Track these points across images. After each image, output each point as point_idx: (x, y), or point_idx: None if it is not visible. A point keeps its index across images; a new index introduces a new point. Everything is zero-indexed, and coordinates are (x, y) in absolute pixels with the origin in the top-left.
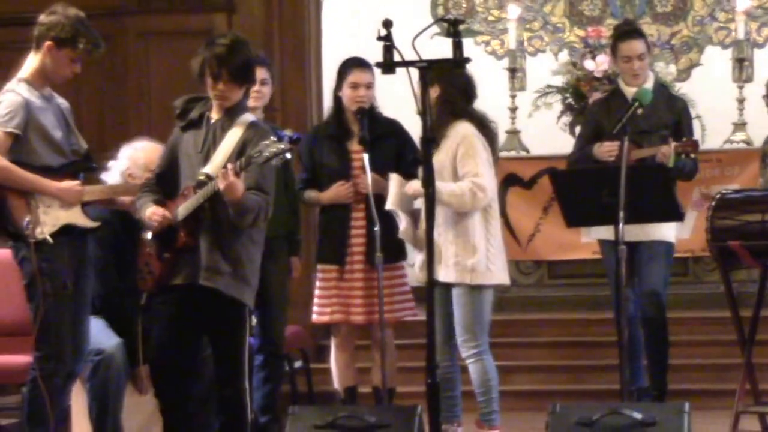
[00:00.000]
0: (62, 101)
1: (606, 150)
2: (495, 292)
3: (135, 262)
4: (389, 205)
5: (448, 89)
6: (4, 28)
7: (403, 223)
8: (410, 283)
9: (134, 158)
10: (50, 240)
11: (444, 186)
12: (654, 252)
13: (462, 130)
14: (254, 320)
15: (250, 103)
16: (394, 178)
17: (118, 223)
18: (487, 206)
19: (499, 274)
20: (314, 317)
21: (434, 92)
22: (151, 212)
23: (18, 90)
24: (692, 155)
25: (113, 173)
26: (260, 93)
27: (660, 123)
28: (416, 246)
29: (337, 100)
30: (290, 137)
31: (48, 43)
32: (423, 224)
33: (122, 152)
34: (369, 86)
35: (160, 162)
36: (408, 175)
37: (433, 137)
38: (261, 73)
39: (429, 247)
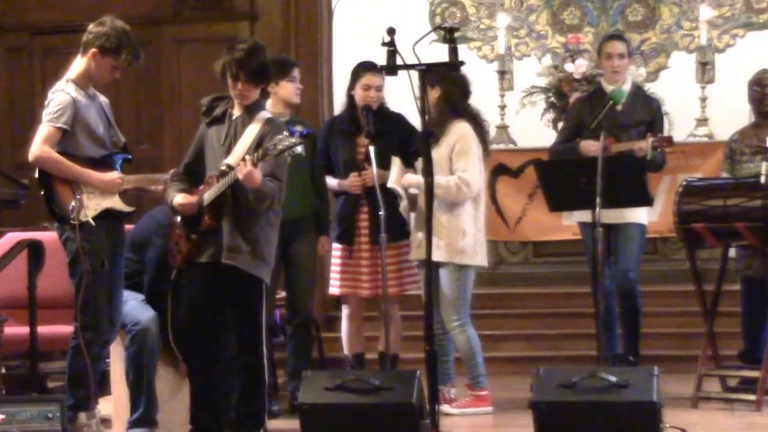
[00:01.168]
0: (103, 98)
1: (593, 149)
2: (479, 270)
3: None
4: (390, 184)
5: (449, 90)
6: (55, 35)
7: (403, 200)
8: None
9: None
10: (92, 223)
11: (436, 180)
12: (628, 233)
13: (460, 129)
14: (282, 294)
15: (297, 98)
16: (395, 162)
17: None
18: (476, 197)
19: (482, 257)
20: (330, 290)
21: (436, 93)
22: (181, 199)
23: (66, 90)
24: (667, 149)
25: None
26: (299, 89)
27: (637, 120)
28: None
29: (350, 98)
30: (301, 132)
31: (93, 50)
32: (418, 206)
33: None
34: (379, 89)
35: (189, 153)
36: (408, 164)
37: (432, 132)
38: (297, 72)
39: (428, 231)
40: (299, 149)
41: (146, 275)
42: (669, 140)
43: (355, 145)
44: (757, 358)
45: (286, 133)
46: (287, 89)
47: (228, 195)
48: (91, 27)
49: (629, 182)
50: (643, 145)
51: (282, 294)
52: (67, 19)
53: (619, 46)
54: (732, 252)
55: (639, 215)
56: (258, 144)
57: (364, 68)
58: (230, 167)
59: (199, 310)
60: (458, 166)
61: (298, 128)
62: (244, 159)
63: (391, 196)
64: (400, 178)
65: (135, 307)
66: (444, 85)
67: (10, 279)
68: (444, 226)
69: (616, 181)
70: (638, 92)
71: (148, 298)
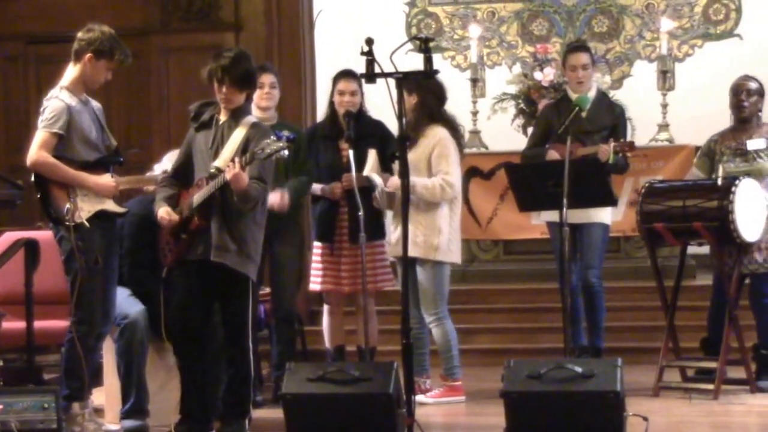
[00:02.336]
0: (95, 103)
1: (559, 153)
2: (452, 267)
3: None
4: (366, 172)
5: (426, 97)
6: (49, 44)
7: (378, 186)
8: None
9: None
10: (87, 224)
11: (419, 180)
12: (592, 232)
13: (438, 133)
14: (266, 290)
15: (264, 102)
16: (371, 153)
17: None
18: (453, 198)
19: (456, 254)
20: (310, 286)
21: (413, 99)
22: (163, 213)
23: (61, 96)
24: (628, 154)
25: (156, 173)
26: (270, 94)
27: (601, 125)
28: (385, 208)
29: (331, 105)
30: (287, 137)
31: (89, 55)
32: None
33: (166, 157)
34: (353, 93)
35: (178, 158)
36: (387, 168)
37: (408, 137)
38: (270, 78)
39: (404, 229)
40: (285, 153)
41: (124, 266)
42: (630, 145)
43: (337, 149)
44: (718, 348)
45: (273, 137)
46: (255, 95)
47: (217, 196)
48: (81, 35)
49: (594, 184)
50: (606, 149)
51: (266, 290)
52: (60, 29)
53: (582, 58)
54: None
55: (602, 215)
56: (244, 147)
57: (339, 75)
58: (218, 170)
59: (189, 305)
60: (440, 169)
61: (285, 133)
62: (233, 161)
63: (368, 198)
64: (375, 166)
65: (123, 301)
66: (420, 92)
67: (7, 276)
68: (421, 224)
69: (581, 183)
70: (602, 99)
71: (132, 287)
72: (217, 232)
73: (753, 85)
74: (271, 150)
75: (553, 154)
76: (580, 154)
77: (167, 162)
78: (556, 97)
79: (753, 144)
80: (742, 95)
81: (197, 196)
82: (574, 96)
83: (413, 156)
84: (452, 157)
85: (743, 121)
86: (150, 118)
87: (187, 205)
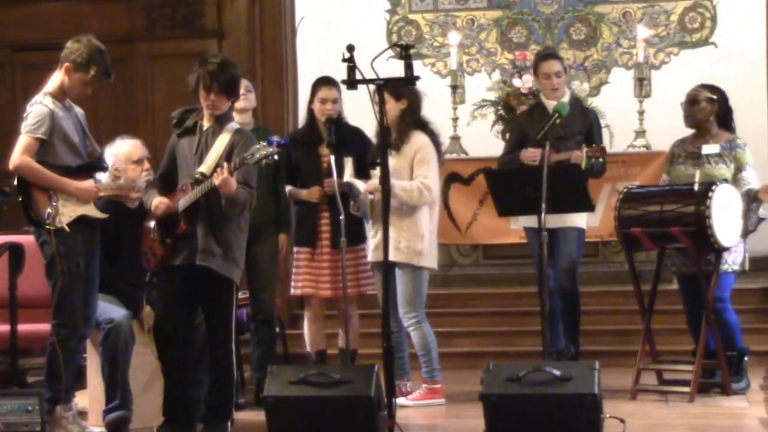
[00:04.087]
0: (79, 110)
1: (529, 156)
2: (431, 271)
3: (138, 247)
4: (346, 178)
5: (414, 102)
6: (35, 51)
7: (360, 192)
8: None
9: (116, 155)
10: (67, 229)
11: (398, 182)
12: (568, 236)
13: (420, 139)
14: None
15: (241, 104)
16: (348, 161)
17: (120, 216)
18: (431, 203)
19: (435, 260)
20: (291, 290)
21: (402, 104)
22: (158, 201)
23: (44, 102)
24: (600, 159)
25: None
26: (246, 97)
27: (574, 130)
28: (365, 214)
29: (310, 111)
30: (278, 142)
31: (67, 64)
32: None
33: (106, 153)
34: (335, 101)
35: (162, 164)
36: (365, 174)
37: (389, 143)
38: (244, 83)
39: (385, 234)
40: (275, 158)
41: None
42: (602, 150)
43: (317, 155)
44: (708, 352)
45: (263, 143)
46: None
47: (202, 201)
48: (69, 43)
49: (572, 189)
50: (579, 155)
51: (245, 294)
52: (46, 37)
53: (554, 65)
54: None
55: (578, 219)
56: (229, 152)
57: (319, 83)
58: (204, 175)
59: (173, 310)
60: (420, 173)
61: (276, 137)
62: (221, 166)
63: (348, 204)
64: (352, 174)
65: (107, 305)
66: (409, 98)
67: None
68: (404, 229)
69: (559, 188)
70: (576, 104)
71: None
72: (203, 237)
73: (702, 94)
74: (261, 155)
75: (524, 155)
76: (555, 160)
77: (109, 157)
78: (533, 103)
79: (707, 149)
80: (687, 105)
81: (183, 201)
82: (548, 103)
83: (396, 162)
84: (432, 163)
85: (695, 127)
86: (136, 123)
87: (173, 209)
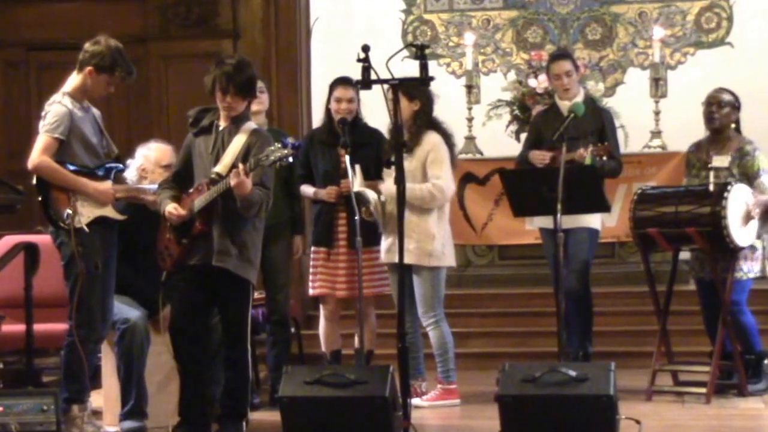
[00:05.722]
0: (95, 110)
1: (538, 158)
2: (447, 271)
3: (154, 247)
4: (356, 188)
5: (427, 104)
6: (49, 51)
7: (371, 201)
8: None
9: (147, 156)
10: (86, 229)
11: (410, 189)
12: (581, 237)
13: (433, 139)
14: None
15: (254, 107)
16: (357, 168)
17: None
18: (447, 201)
19: (450, 258)
20: (309, 291)
21: (415, 106)
22: (171, 209)
23: (63, 102)
24: (605, 157)
25: (131, 170)
26: (259, 99)
27: (587, 130)
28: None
29: (328, 111)
30: (293, 144)
31: (89, 68)
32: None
33: (138, 152)
34: (350, 101)
35: (177, 162)
36: (378, 176)
37: (404, 143)
38: (258, 83)
39: (400, 235)
40: (290, 159)
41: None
42: (606, 150)
43: (335, 155)
44: (726, 353)
45: (278, 144)
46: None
47: (218, 202)
48: (87, 46)
49: (588, 190)
50: (583, 154)
51: (261, 294)
52: (61, 36)
53: (564, 65)
54: (687, 255)
55: (591, 220)
56: (245, 153)
57: (335, 83)
58: (220, 175)
59: (189, 310)
60: (433, 173)
61: (290, 139)
62: (237, 167)
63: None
64: (361, 180)
65: (123, 305)
66: (422, 99)
67: (7, 280)
68: (414, 231)
69: (575, 189)
70: (589, 104)
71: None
72: (218, 238)
73: (725, 98)
74: (275, 157)
75: (534, 154)
76: (564, 159)
77: (140, 158)
78: (548, 104)
79: (717, 161)
80: (713, 107)
81: (198, 201)
82: (561, 103)
83: (410, 164)
84: (445, 161)
85: (715, 132)
86: (150, 123)
87: (188, 209)
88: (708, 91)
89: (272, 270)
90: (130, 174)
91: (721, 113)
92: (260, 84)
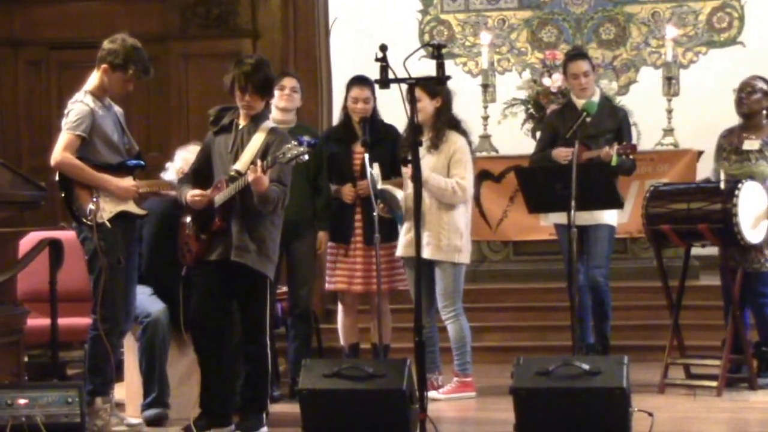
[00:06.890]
0: (117, 108)
1: (562, 155)
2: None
3: (176, 242)
4: (380, 185)
5: (447, 101)
6: (70, 49)
7: (398, 199)
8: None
9: (185, 159)
10: (108, 225)
11: (434, 177)
12: (598, 234)
13: (458, 141)
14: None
15: (283, 103)
16: (375, 167)
17: (168, 211)
18: (466, 201)
19: (469, 255)
20: (326, 286)
21: (437, 103)
22: (193, 194)
23: (85, 101)
24: (631, 156)
25: (170, 172)
26: (291, 97)
27: (605, 129)
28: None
29: (345, 109)
30: (309, 142)
31: (104, 66)
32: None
33: (177, 154)
34: (366, 100)
35: (196, 160)
36: (396, 172)
37: (420, 141)
38: (292, 82)
39: (416, 231)
40: (306, 157)
41: (143, 264)
42: (633, 148)
43: (351, 153)
44: (739, 345)
45: (294, 142)
46: (275, 96)
47: (237, 198)
48: (105, 44)
49: (601, 187)
50: (609, 152)
51: (283, 289)
52: (81, 35)
53: (582, 65)
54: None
55: (608, 217)
56: (264, 151)
57: (352, 82)
58: (239, 173)
59: (209, 304)
60: (456, 173)
61: (306, 138)
62: (254, 164)
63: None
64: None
65: (145, 299)
66: (444, 96)
67: (32, 275)
68: (444, 227)
69: (589, 186)
70: (605, 103)
71: (151, 284)
72: (237, 233)
73: (758, 84)
74: (292, 155)
75: (558, 152)
76: (586, 157)
77: (179, 160)
78: (563, 103)
79: (748, 144)
80: (743, 93)
81: (219, 197)
82: (578, 102)
83: (435, 160)
84: (469, 164)
85: (746, 117)
86: (169, 122)
87: (211, 202)
88: (719, 89)
89: (296, 264)
90: (170, 176)
91: (751, 99)
92: (294, 83)
